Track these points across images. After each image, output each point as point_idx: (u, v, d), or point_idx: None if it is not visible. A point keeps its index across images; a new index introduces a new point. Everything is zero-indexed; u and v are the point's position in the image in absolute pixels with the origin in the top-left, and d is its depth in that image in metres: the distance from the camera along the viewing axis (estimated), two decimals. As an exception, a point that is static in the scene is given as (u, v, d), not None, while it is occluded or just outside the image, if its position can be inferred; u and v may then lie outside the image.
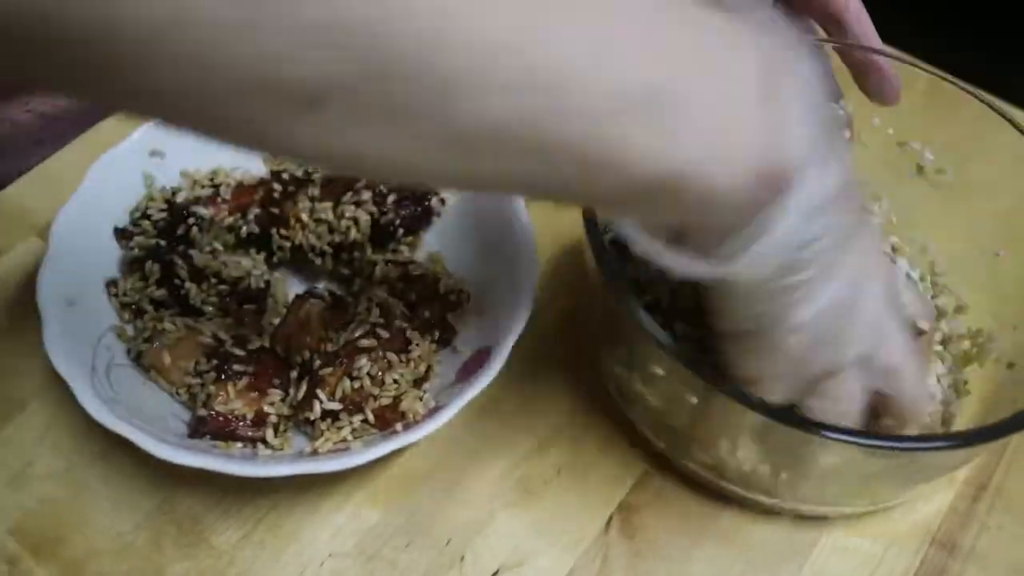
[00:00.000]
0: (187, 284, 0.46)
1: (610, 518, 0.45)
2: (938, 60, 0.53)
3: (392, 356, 0.43)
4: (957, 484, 0.47)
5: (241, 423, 0.42)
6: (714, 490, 0.46)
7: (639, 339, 0.40)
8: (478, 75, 0.26)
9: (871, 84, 0.50)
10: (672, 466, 0.46)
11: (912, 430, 0.41)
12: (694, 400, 0.42)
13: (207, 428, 0.42)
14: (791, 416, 0.38)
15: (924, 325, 0.44)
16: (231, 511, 0.44)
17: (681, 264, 0.34)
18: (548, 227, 0.49)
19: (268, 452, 0.43)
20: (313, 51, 0.24)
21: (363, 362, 0.42)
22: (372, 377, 0.42)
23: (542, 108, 0.27)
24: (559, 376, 0.49)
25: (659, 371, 0.42)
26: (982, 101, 0.48)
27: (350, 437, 0.42)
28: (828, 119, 0.34)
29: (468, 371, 0.45)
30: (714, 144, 0.31)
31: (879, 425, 0.41)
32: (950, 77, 0.49)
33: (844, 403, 0.39)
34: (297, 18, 0.23)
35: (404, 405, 0.42)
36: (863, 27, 0.50)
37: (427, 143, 0.27)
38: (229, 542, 0.44)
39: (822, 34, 0.52)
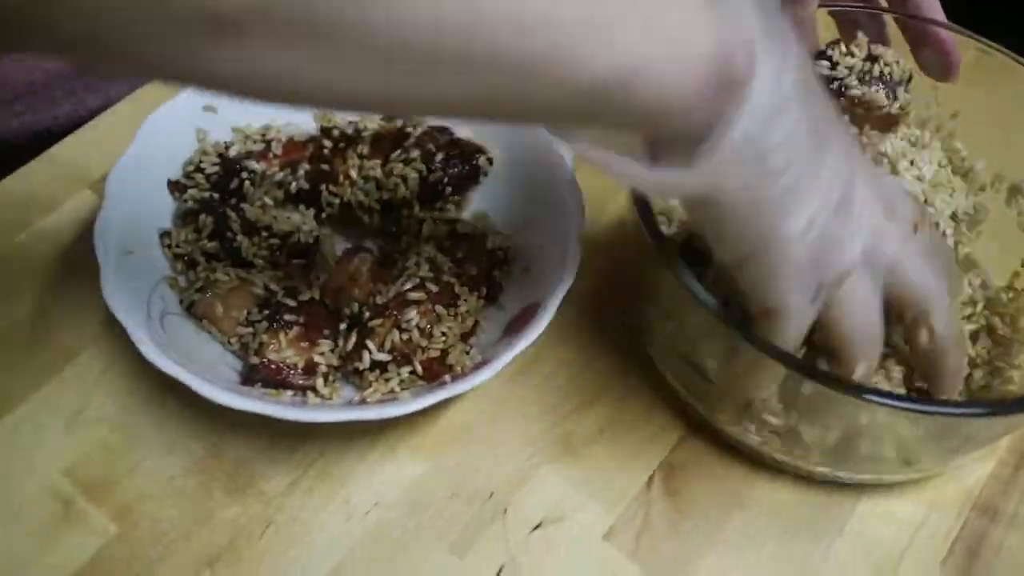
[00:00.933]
0: (239, 237, 0.47)
1: (651, 476, 0.46)
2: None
3: (441, 309, 0.43)
4: (1000, 451, 0.47)
5: (292, 372, 0.43)
6: (750, 455, 0.46)
7: (681, 298, 0.40)
8: None
9: (927, 56, 0.50)
10: (710, 430, 0.47)
11: (936, 338, 0.40)
12: (730, 359, 0.42)
13: (259, 376, 0.43)
14: (821, 373, 0.38)
15: (916, 221, 0.42)
16: (280, 458, 0.45)
17: (639, 173, 0.34)
18: (591, 186, 0.49)
19: (318, 400, 0.43)
20: None
21: (412, 314, 0.42)
22: (421, 329, 0.42)
23: (467, 15, 0.26)
24: (601, 338, 0.50)
25: (698, 330, 0.42)
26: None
27: (398, 388, 0.43)
28: (776, 19, 0.33)
29: (515, 328, 0.45)
30: (659, 40, 0.30)
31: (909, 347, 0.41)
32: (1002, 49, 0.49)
33: (860, 309, 0.38)
34: None
35: (452, 358, 0.43)
36: (932, 7, 0.49)
37: (350, 61, 0.26)
38: (277, 488, 0.44)
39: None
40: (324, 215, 0.50)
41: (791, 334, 0.38)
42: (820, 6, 0.51)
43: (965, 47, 0.50)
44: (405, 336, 0.42)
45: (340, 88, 0.28)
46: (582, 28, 0.28)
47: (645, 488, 0.45)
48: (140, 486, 0.44)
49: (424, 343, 0.42)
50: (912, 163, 0.49)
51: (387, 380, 0.43)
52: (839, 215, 0.35)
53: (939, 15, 0.50)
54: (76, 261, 0.50)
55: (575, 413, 0.47)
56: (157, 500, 0.44)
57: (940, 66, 0.49)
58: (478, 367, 0.42)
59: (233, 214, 0.47)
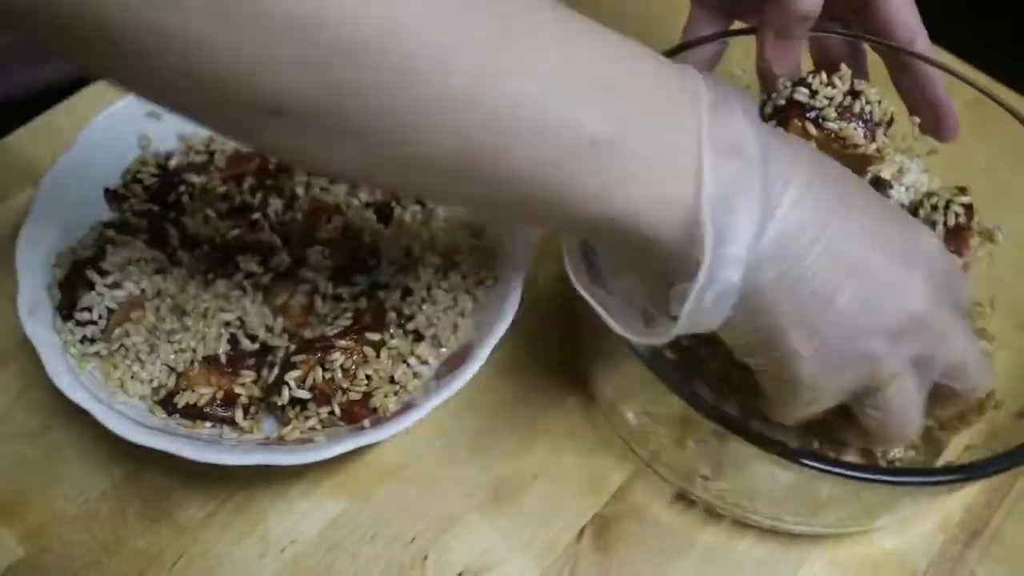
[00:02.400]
0: (179, 252, 0.45)
1: (582, 529, 0.44)
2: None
3: (369, 351, 0.41)
4: (949, 528, 0.45)
5: (211, 403, 0.41)
6: (697, 503, 0.44)
7: (621, 351, 0.38)
8: (436, 118, 0.28)
9: (925, 117, 0.48)
10: (651, 476, 0.45)
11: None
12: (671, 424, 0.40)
13: (177, 405, 0.42)
14: (748, 432, 0.36)
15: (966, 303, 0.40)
16: (199, 488, 0.44)
17: (631, 327, 0.35)
18: (537, 230, 0.48)
19: (235, 435, 0.42)
20: (280, 68, 0.26)
21: (336, 355, 0.41)
22: (345, 370, 0.41)
23: (490, 147, 0.29)
24: (543, 379, 0.48)
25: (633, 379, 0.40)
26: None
27: (318, 427, 0.41)
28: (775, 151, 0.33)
29: (450, 367, 0.43)
30: (655, 193, 0.31)
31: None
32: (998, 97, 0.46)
33: (903, 410, 0.36)
34: (270, 37, 0.26)
35: (375, 401, 0.41)
36: (930, 69, 0.47)
37: (382, 163, 0.30)
38: (194, 519, 0.43)
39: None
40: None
41: (799, 416, 0.37)
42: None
43: (960, 91, 0.47)
44: (327, 375, 0.41)
45: (368, 177, 0.34)
46: (600, 169, 0.30)
47: (574, 541, 0.44)
48: (53, 507, 0.43)
49: (346, 384, 0.41)
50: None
51: (307, 418, 0.41)
52: (860, 309, 0.33)
53: (924, 46, 0.47)
54: (6, 265, 0.48)
55: (509, 456, 0.46)
56: (69, 523, 0.43)
57: (938, 130, 0.47)
58: (402, 411, 0.41)
59: (172, 228, 0.46)
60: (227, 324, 0.42)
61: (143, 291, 0.42)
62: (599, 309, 0.35)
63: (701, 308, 0.32)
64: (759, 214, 0.31)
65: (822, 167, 0.34)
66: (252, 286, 0.44)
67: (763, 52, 0.46)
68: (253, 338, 0.43)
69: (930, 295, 0.34)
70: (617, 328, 0.35)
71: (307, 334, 0.42)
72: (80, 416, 0.44)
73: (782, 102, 0.44)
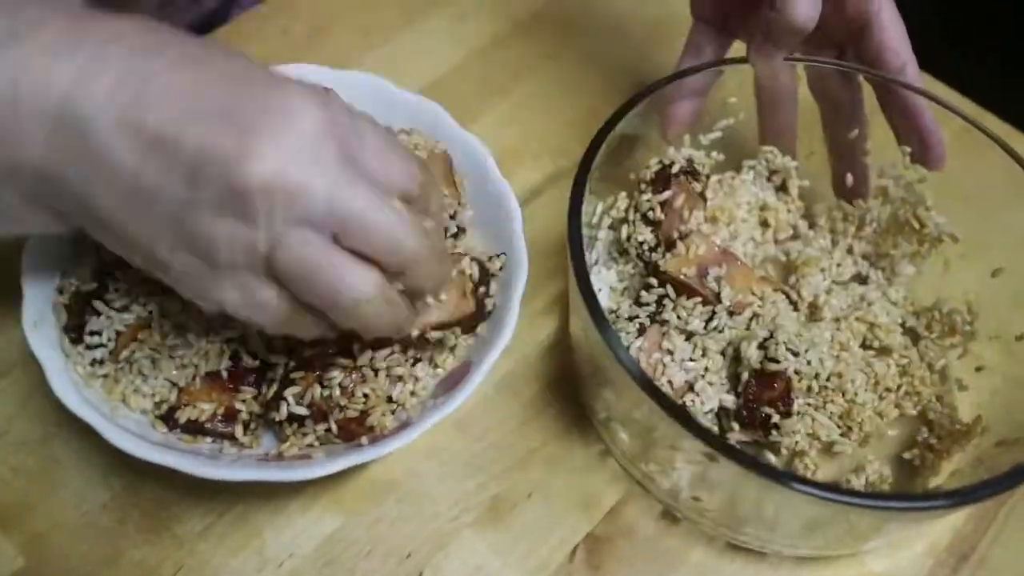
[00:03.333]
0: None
1: (575, 548, 0.44)
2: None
3: (367, 370, 0.42)
4: (938, 552, 0.45)
5: (211, 418, 0.42)
6: (688, 523, 0.45)
7: (613, 370, 0.39)
8: None
9: (913, 145, 0.48)
10: (644, 496, 0.46)
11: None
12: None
13: (178, 420, 0.42)
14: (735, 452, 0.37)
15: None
16: (198, 501, 0.44)
17: None
18: (537, 240, 0.48)
19: (235, 450, 0.42)
20: None
21: (335, 372, 0.41)
22: (343, 388, 0.41)
23: None
24: (538, 398, 0.49)
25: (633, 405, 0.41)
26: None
27: (315, 443, 0.42)
28: None
29: (448, 386, 0.44)
30: None
31: None
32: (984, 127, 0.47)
33: (323, 272, 0.34)
34: None
35: (372, 419, 0.42)
36: (919, 98, 0.48)
37: None
38: (192, 532, 0.44)
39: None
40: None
41: (262, 316, 0.35)
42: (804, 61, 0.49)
43: (948, 120, 0.48)
44: (326, 393, 0.41)
45: None
46: None
47: (567, 560, 0.44)
48: (54, 517, 0.43)
49: (344, 402, 0.41)
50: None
51: (304, 435, 0.42)
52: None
53: (914, 74, 0.48)
54: (7, 275, 0.49)
55: (505, 474, 0.46)
56: (69, 533, 0.43)
57: (926, 158, 0.48)
58: (400, 429, 0.41)
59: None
60: (229, 340, 0.43)
61: (150, 312, 0.42)
62: None
63: None
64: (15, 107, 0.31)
65: (149, 32, 0.34)
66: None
67: (748, 53, 0.47)
68: (254, 355, 0.43)
69: (283, 156, 0.32)
70: None
71: (307, 352, 0.43)
72: (81, 427, 0.45)
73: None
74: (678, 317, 0.46)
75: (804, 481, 0.36)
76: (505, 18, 0.66)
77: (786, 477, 0.36)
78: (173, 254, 0.34)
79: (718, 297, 0.46)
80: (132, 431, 0.40)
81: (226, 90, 0.33)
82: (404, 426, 0.42)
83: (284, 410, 0.41)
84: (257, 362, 0.43)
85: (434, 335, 0.42)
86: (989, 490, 0.37)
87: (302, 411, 0.41)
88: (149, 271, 0.36)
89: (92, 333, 0.42)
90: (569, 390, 0.49)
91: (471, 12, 0.66)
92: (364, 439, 0.41)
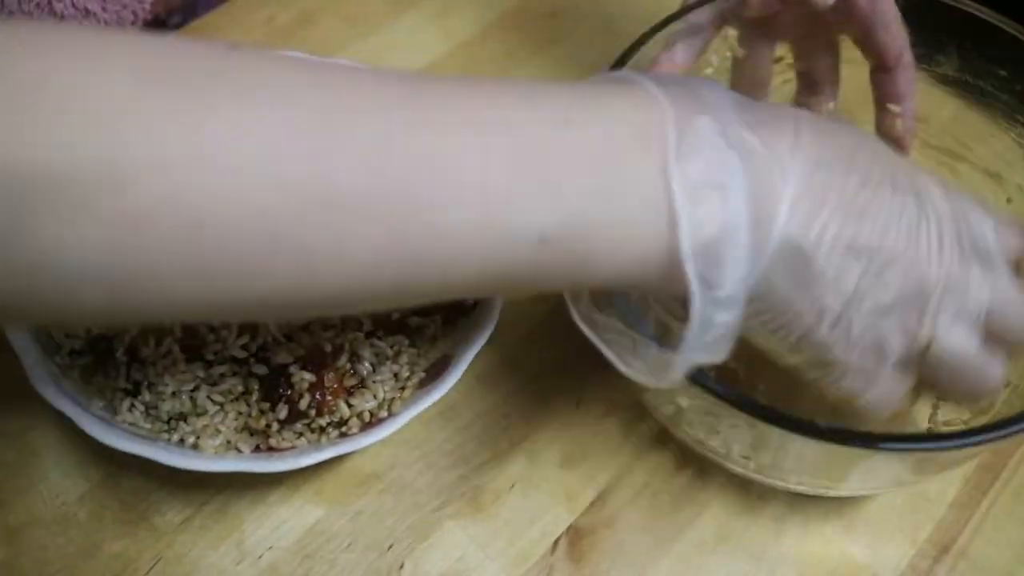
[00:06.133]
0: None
1: (557, 539, 0.44)
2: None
3: (359, 365, 0.42)
4: (919, 542, 0.45)
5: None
6: (670, 515, 0.45)
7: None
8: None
9: (885, 123, 0.48)
10: (632, 483, 0.45)
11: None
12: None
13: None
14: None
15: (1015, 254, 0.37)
16: (177, 492, 0.44)
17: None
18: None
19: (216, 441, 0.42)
20: None
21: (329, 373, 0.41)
22: (328, 388, 0.41)
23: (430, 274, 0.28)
24: (520, 389, 0.48)
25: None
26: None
27: (307, 433, 0.42)
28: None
29: (429, 377, 0.44)
30: (628, 260, 0.30)
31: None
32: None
33: (964, 366, 0.34)
34: None
35: (355, 409, 0.41)
36: (908, 86, 0.47)
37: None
38: (170, 524, 0.43)
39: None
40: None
41: (883, 405, 0.35)
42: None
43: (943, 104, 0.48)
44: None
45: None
46: (563, 263, 0.30)
47: (549, 551, 0.44)
48: (31, 509, 0.43)
49: (329, 398, 0.41)
50: None
51: (298, 434, 0.41)
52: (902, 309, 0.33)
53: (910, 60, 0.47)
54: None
55: (488, 465, 0.46)
56: (46, 526, 0.43)
57: (891, 137, 0.48)
58: (381, 420, 0.41)
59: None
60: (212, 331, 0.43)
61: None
62: (604, 348, 0.34)
63: (701, 346, 0.31)
64: (751, 242, 0.30)
65: (818, 133, 0.32)
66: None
67: None
68: (266, 361, 0.43)
69: (943, 255, 0.33)
70: (625, 370, 0.34)
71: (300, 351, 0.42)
72: (59, 419, 0.44)
73: None
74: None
75: (896, 439, 0.35)
76: (492, 10, 0.65)
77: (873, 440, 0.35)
78: (847, 353, 0.33)
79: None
80: (110, 422, 0.40)
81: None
82: (386, 417, 0.41)
83: (283, 412, 0.41)
84: (266, 369, 0.42)
85: (414, 321, 0.41)
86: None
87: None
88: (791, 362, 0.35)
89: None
90: (551, 381, 0.48)
91: (458, 3, 0.65)
92: (347, 428, 0.41)
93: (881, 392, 0.35)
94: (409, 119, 0.27)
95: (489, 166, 0.28)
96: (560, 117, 0.29)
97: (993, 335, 0.35)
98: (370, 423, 0.42)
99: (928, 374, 0.35)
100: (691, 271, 0.29)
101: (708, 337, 0.31)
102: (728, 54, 0.50)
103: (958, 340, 0.34)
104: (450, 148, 0.27)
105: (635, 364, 0.33)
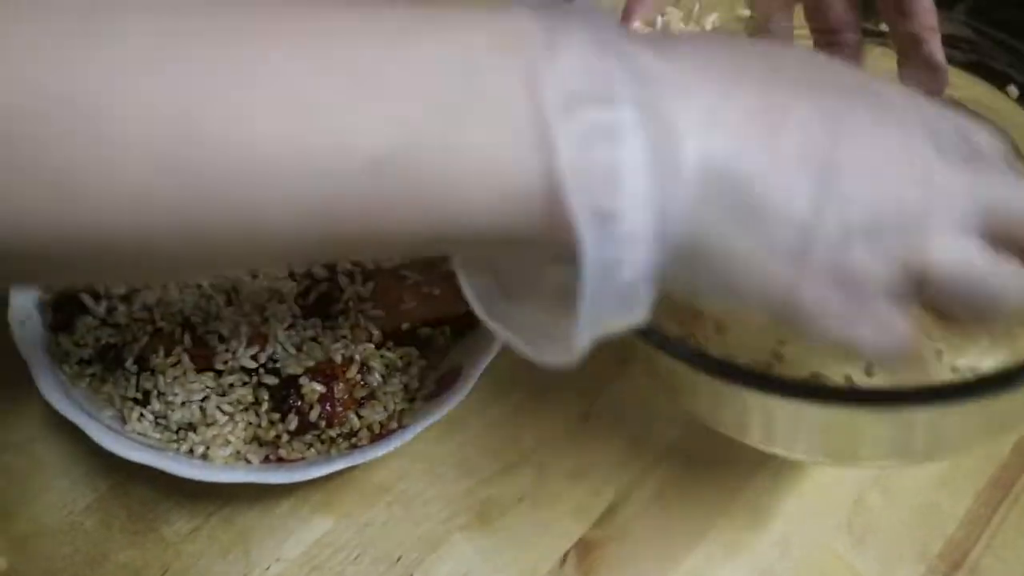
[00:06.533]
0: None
1: (566, 554, 0.44)
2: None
3: (369, 377, 0.42)
4: (930, 559, 0.45)
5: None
6: (679, 525, 0.44)
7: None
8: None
9: (910, 72, 0.42)
10: (637, 503, 0.45)
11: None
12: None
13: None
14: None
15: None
16: (184, 502, 0.44)
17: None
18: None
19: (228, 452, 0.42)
20: None
21: (341, 384, 0.41)
22: (338, 400, 0.41)
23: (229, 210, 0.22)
24: (530, 401, 0.48)
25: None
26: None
27: (316, 444, 0.41)
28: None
29: (439, 389, 0.44)
30: (494, 193, 0.24)
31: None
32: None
33: (973, 277, 0.28)
34: None
35: (365, 421, 0.41)
36: (928, 19, 0.41)
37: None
38: (178, 534, 0.43)
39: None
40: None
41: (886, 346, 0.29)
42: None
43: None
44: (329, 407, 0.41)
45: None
46: (403, 191, 0.24)
47: (558, 566, 0.44)
48: (38, 518, 0.43)
49: (340, 409, 0.41)
50: None
51: (308, 445, 0.41)
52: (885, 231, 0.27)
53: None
54: None
55: (497, 477, 0.46)
56: (53, 535, 0.43)
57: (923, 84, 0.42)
58: (391, 432, 0.41)
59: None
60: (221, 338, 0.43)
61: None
62: (511, 338, 0.29)
63: (607, 302, 0.25)
64: (653, 159, 0.24)
65: (732, 43, 0.28)
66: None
67: None
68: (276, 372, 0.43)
69: (917, 159, 0.28)
70: (525, 350, 0.28)
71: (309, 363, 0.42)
72: (67, 427, 0.44)
73: None
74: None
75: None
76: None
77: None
78: (817, 294, 0.27)
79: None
80: (118, 431, 0.40)
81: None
82: (396, 429, 0.41)
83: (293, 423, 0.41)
84: (276, 379, 0.42)
85: (424, 332, 0.41)
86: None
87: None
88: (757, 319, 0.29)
89: (80, 332, 0.41)
90: (561, 393, 0.48)
91: None
92: (357, 439, 0.41)
93: (877, 333, 0.28)
94: (227, 26, 0.23)
95: (304, 75, 0.23)
96: (403, 27, 0.24)
97: (998, 237, 0.29)
98: (380, 435, 0.42)
99: (936, 302, 0.29)
100: (575, 201, 0.23)
101: (613, 288, 0.25)
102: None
103: (957, 256, 0.28)
104: (259, 56, 0.22)
105: (548, 348, 0.28)
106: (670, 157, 0.24)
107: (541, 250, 0.26)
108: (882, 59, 0.45)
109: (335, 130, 0.23)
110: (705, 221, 0.25)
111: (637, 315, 0.26)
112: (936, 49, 0.41)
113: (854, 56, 0.43)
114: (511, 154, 0.24)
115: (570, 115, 0.23)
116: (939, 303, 0.29)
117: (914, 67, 0.41)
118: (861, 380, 0.41)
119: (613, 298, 0.25)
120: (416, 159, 0.23)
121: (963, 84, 0.46)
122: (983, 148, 0.30)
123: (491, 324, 0.29)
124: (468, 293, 0.30)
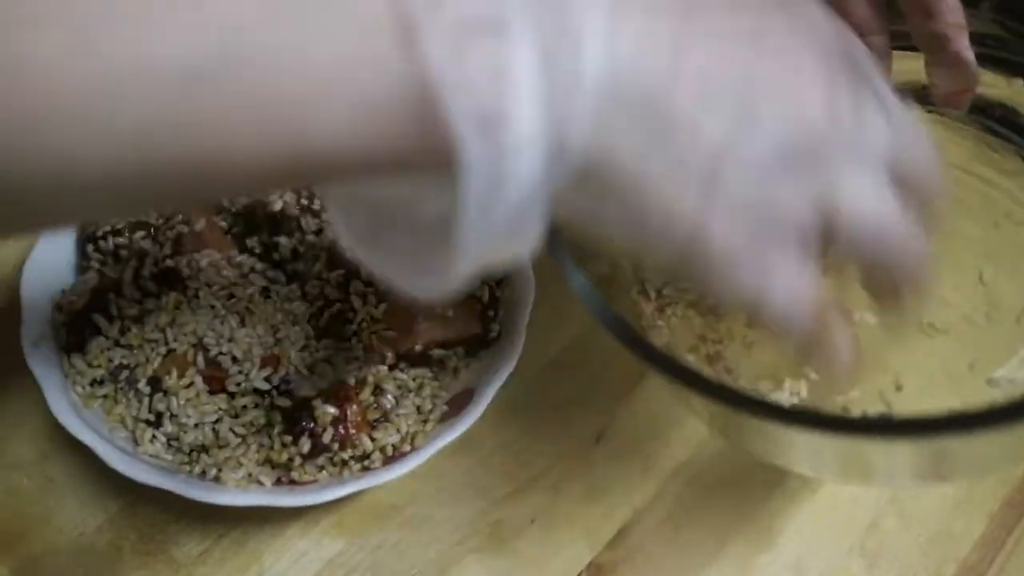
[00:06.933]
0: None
1: (579, 575, 0.44)
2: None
3: (382, 399, 0.42)
4: (940, 583, 0.45)
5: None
6: (691, 546, 0.44)
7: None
8: None
9: (939, 74, 0.41)
10: (649, 524, 0.45)
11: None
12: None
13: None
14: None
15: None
16: (195, 524, 0.43)
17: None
18: (543, 270, 0.48)
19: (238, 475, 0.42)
20: None
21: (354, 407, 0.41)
22: (351, 422, 0.41)
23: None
24: (542, 422, 0.48)
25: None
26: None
27: (329, 466, 0.41)
28: None
29: (451, 411, 0.44)
30: (347, 101, 0.21)
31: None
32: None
33: (880, 214, 0.26)
34: None
35: (378, 443, 0.41)
36: (954, 16, 0.40)
37: None
38: (189, 555, 0.43)
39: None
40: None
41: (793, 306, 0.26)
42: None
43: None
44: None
45: None
46: (239, 102, 0.20)
47: (570, 588, 0.44)
48: (48, 539, 0.43)
49: (353, 431, 0.41)
50: None
51: (320, 467, 0.41)
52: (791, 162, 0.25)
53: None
54: (6, 302, 0.48)
55: (509, 499, 0.46)
56: (64, 556, 0.42)
57: (951, 91, 0.42)
58: (403, 454, 0.41)
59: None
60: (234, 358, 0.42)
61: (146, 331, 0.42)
62: (372, 262, 0.26)
63: (492, 223, 0.22)
64: (543, 57, 0.21)
65: None
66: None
67: None
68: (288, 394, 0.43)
69: (831, 88, 0.26)
70: (398, 282, 0.26)
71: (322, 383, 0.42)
72: (78, 447, 0.44)
73: None
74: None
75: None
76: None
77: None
78: (728, 231, 0.25)
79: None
80: (130, 452, 0.40)
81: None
82: (409, 451, 0.41)
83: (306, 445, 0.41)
84: (288, 402, 0.42)
85: (437, 353, 0.41)
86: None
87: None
88: (661, 263, 0.28)
89: (93, 353, 0.41)
90: (573, 414, 0.48)
91: None
92: (369, 462, 0.41)
93: (786, 286, 0.26)
94: None
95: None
96: None
97: (899, 184, 0.27)
98: (393, 457, 0.41)
99: (846, 249, 0.27)
100: (451, 101, 0.20)
101: (500, 208, 0.22)
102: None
103: (873, 196, 0.26)
104: None
105: (424, 280, 0.26)
106: (567, 57, 0.21)
107: (414, 174, 0.23)
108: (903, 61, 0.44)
109: (131, 40, 0.19)
110: (614, 135, 0.23)
111: (526, 243, 0.23)
112: (964, 46, 0.40)
113: (881, 60, 0.41)
114: (366, 53, 0.20)
115: (440, 4, 0.20)
116: (857, 255, 0.27)
117: (943, 66, 0.40)
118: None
119: (499, 219, 0.22)
120: (241, 66, 0.20)
121: (991, 81, 0.46)
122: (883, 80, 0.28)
123: (359, 255, 0.26)
124: (335, 222, 0.27)
